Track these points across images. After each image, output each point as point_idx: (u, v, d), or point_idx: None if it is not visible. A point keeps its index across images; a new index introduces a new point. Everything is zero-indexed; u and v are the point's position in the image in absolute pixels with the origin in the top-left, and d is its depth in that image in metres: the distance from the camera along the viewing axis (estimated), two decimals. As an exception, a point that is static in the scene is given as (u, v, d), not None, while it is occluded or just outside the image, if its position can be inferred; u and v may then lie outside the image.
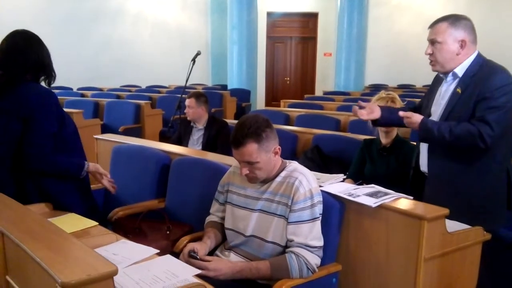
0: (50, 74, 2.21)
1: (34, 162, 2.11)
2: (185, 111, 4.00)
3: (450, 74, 2.20)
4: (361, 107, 2.42)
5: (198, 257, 1.85)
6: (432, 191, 2.24)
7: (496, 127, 2.03)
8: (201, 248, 1.93)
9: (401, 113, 2.22)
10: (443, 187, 2.21)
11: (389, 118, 2.42)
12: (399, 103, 2.81)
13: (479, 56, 2.19)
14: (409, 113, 2.19)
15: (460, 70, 2.17)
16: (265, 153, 1.87)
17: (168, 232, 2.34)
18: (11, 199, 1.93)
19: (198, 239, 2.11)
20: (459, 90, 2.15)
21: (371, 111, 2.41)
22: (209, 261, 1.85)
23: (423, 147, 2.31)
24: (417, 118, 2.16)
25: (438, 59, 2.19)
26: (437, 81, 2.35)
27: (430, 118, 2.26)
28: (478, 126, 2.04)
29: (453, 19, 2.15)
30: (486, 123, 2.03)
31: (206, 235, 2.06)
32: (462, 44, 2.14)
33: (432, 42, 2.18)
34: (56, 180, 2.20)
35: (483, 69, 2.13)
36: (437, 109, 2.26)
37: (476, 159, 2.14)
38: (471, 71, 2.15)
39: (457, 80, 2.19)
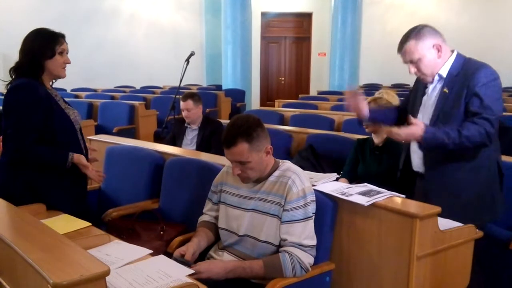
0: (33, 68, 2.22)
1: (14, 154, 2.17)
2: (183, 114, 3.97)
3: (436, 75, 2.22)
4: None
5: (182, 260, 1.83)
6: (431, 190, 2.23)
7: (495, 123, 2.09)
8: (188, 249, 1.92)
9: (413, 120, 2.16)
10: (442, 185, 2.21)
11: (376, 121, 2.49)
12: (385, 101, 2.83)
13: (459, 55, 2.22)
14: (416, 120, 2.15)
15: (444, 71, 2.20)
16: (256, 153, 1.88)
17: (162, 232, 2.34)
18: (3, 200, 1.92)
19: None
20: (446, 90, 2.17)
21: (359, 110, 2.42)
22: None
23: (415, 147, 2.31)
24: (421, 128, 2.11)
25: (426, 72, 2.21)
26: (419, 85, 2.35)
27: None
28: (484, 125, 2.06)
29: (415, 34, 2.16)
30: (488, 121, 2.06)
31: (195, 235, 2.06)
32: (438, 47, 2.16)
33: (411, 62, 2.20)
34: (47, 179, 2.22)
35: (466, 66, 2.17)
36: (426, 110, 2.27)
37: (471, 154, 2.16)
38: (454, 70, 2.18)
39: (442, 80, 2.21)
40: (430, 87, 2.27)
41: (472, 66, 2.16)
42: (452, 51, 2.23)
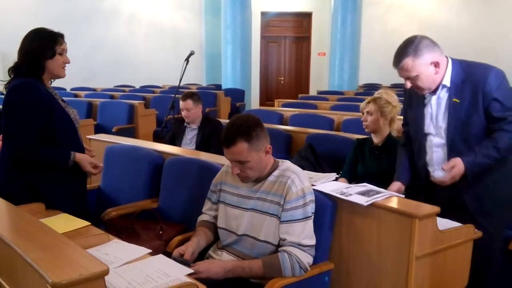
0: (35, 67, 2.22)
1: (15, 153, 2.16)
2: (183, 114, 3.97)
3: (440, 87, 2.17)
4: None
5: (182, 260, 1.83)
6: (468, 197, 2.19)
7: None
8: (187, 248, 1.92)
9: (451, 163, 2.11)
10: (477, 191, 2.17)
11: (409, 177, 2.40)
12: (384, 101, 2.82)
13: (454, 61, 2.17)
14: (450, 164, 2.09)
15: (446, 81, 2.15)
16: (255, 152, 1.88)
17: (161, 232, 2.34)
18: (2, 199, 1.92)
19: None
20: (456, 100, 2.12)
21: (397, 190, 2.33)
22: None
23: (436, 156, 2.24)
24: (460, 164, 2.08)
25: (423, 87, 2.16)
26: (413, 98, 2.30)
27: (430, 134, 2.23)
28: (511, 129, 2.06)
29: (413, 50, 2.07)
30: None
31: (194, 234, 2.06)
32: (435, 64, 2.10)
33: (408, 78, 2.14)
34: (47, 178, 2.22)
35: (469, 72, 2.12)
36: (437, 122, 2.21)
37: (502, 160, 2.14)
38: (457, 78, 2.13)
39: (446, 90, 2.16)
40: (433, 98, 2.20)
41: (476, 71, 2.11)
42: (446, 57, 2.17)
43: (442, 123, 2.20)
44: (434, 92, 2.20)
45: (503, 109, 2.06)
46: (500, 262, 2.27)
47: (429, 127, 2.25)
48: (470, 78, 2.11)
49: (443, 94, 2.18)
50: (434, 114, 2.22)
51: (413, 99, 2.33)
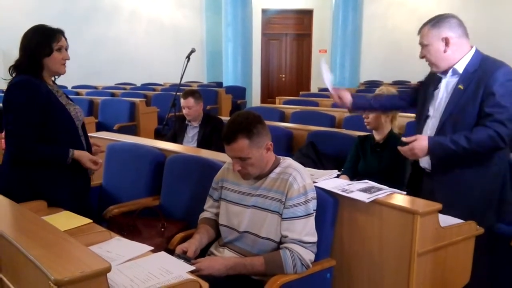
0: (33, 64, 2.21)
1: (15, 151, 2.17)
2: (184, 112, 3.97)
3: (450, 70, 2.19)
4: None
5: (184, 257, 1.83)
6: (437, 188, 2.19)
7: (510, 125, 2.04)
8: (190, 246, 1.92)
9: (414, 136, 2.15)
10: (448, 184, 2.18)
11: (361, 105, 2.63)
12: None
13: (477, 52, 2.19)
14: (412, 137, 2.14)
15: (460, 66, 2.17)
16: (256, 149, 1.88)
17: (162, 229, 2.35)
18: (4, 197, 1.92)
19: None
20: (461, 86, 2.14)
21: (341, 99, 2.59)
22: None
23: None
24: (423, 139, 2.10)
25: (431, 61, 2.21)
26: (432, 80, 2.32)
27: (430, 116, 2.25)
28: (494, 127, 2.02)
29: (435, 21, 2.18)
30: (501, 123, 2.02)
31: (196, 232, 2.06)
32: (446, 41, 2.14)
33: (421, 45, 2.22)
34: (49, 176, 2.22)
35: (484, 64, 2.13)
36: (438, 105, 2.23)
37: (480, 155, 2.12)
38: (471, 67, 2.14)
39: (457, 76, 2.18)
40: (443, 81, 2.24)
41: (491, 65, 2.12)
42: (471, 47, 2.19)
43: (442, 107, 2.21)
44: (444, 74, 2.22)
45: (495, 105, 2.04)
46: (486, 260, 2.23)
47: (430, 109, 2.27)
48: (480, 70, 2.12)
49: (452, 79, 2.20)
50: (440, 97, 2.24)
51: (431, 80, 2.33)
